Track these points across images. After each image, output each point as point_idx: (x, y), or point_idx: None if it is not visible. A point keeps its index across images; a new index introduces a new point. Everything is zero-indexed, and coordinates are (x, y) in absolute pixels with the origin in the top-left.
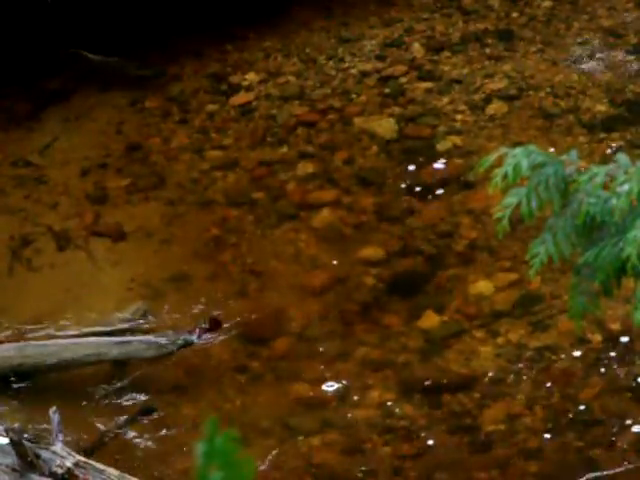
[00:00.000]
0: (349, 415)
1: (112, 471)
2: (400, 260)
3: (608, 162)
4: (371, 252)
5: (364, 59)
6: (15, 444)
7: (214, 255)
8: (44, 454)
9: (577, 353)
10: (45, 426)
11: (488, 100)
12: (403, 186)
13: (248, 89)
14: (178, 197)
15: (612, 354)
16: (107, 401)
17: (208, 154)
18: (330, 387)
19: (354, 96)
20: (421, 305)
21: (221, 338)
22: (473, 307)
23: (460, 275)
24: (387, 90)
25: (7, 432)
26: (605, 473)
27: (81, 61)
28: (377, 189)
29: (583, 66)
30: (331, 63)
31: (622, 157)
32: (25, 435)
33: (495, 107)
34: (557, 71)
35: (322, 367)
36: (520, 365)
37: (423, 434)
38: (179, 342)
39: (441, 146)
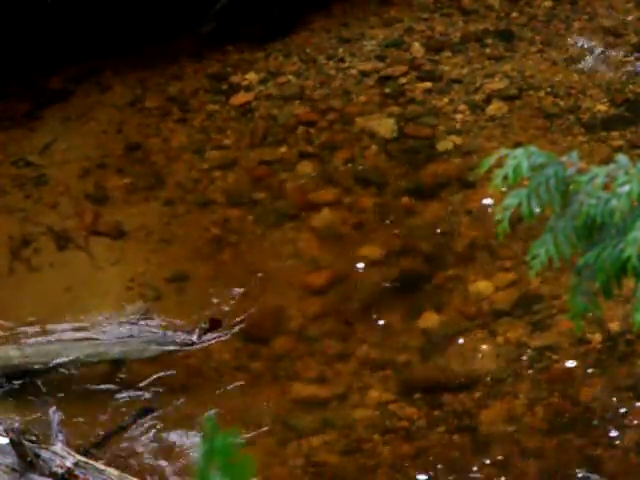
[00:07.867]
0: (349, 415)
1: (112, 471)
2: (400, 260)
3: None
4: (371, 252)
5: (364, 59)
6: (15, 444)
7: (214, 255)
8: (44, 454)
9: (577, 353)
10: (45, 426)
11: (488, 100)
12: (403, 186)
13: (248, 89)
14: (178, 197)
15: (612, 354)
16: (107, 401)
17: (208, 154)
18: (330, 387)
19: (354, 96)
20: (421, 305)
21: (221, 338)
22: (473, 307)
23: (460, 275)
24: (387, 90)
25: (7, 432)
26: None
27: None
28: (377, 189)
29: (583, 66)
30: (331, 63)
31: (622, 158)
32: (25, 435)
33: (495, 107)
34: (557, 71)
35: (322, 367)
36: (520, 365)
37: (423, 434)
38: (179, 342)
39: (441, 146)
